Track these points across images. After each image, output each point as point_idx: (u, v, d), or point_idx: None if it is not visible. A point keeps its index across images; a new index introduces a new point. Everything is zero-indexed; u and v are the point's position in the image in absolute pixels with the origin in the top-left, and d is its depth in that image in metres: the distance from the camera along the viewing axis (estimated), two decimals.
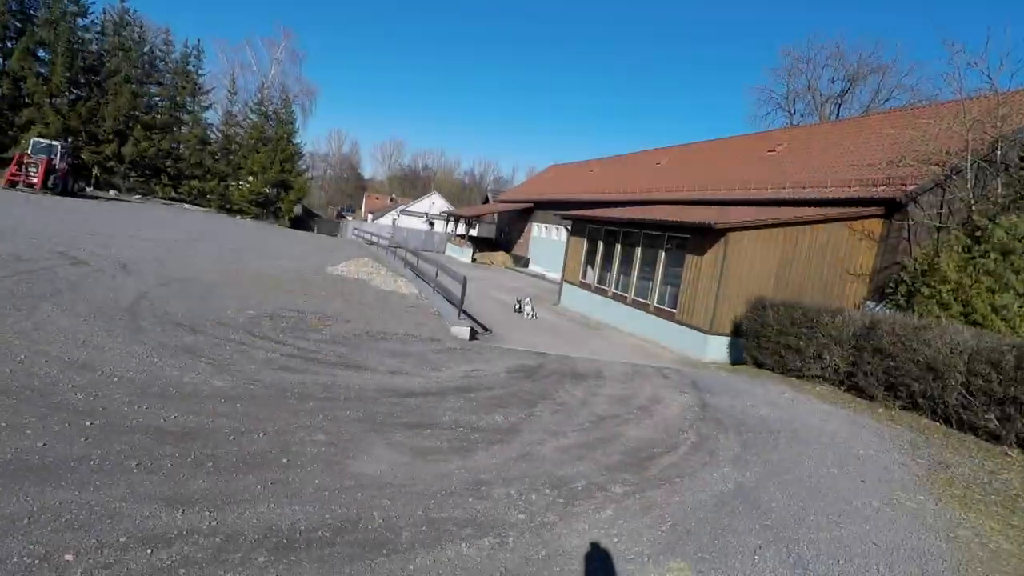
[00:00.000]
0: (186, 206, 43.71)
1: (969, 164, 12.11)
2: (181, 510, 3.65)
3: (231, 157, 48.27)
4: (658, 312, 14.42)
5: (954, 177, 12.43)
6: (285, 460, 4.61)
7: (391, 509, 4.08)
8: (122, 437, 4.52)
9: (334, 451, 4.93)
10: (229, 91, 51.08)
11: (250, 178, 47.24)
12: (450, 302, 13.68)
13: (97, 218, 21.84)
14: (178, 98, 47.31)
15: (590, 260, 18.46)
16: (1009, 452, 7.30)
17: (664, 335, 13.90)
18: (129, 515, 3.51)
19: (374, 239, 37.59)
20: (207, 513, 3.66)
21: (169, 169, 45.75)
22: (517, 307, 15.76)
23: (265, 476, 4.28)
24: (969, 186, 12.13)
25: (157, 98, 47.24)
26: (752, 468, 5.89)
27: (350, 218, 65.44)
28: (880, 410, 8.91)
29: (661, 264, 14.62)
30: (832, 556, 4.23)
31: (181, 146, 47.26)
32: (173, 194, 45.76)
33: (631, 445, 6.20)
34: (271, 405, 5.78)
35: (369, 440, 5.29)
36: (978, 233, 11.33)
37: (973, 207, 11.97)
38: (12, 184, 27.39)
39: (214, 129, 50.57)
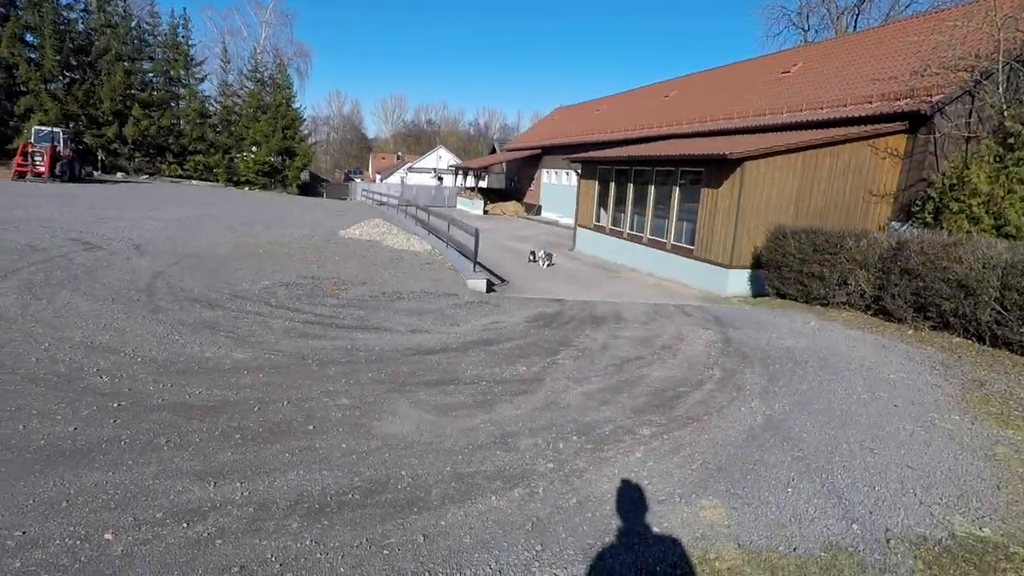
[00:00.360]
0: (193, 182, 43.66)
1: (1000, 66, 11.39)
2: (213, 483, 3.69)
3: (232, 128, 47.73)
4: (675, 250, 14.16)
5: (984, 82, 11.72)
6: (311, 427, 4.64)
7: (419, 467, 4.10)
8: (150, 416, 4.58)
9: (359, 414, 4.95)
10: (222, 60, 50.02)
11: (254, 148, 46.82)
12: (464, 256, 13.57)
13: (106, 202, 21.91)
14: (172, 72, 46.46)
15: (603, 202, 18.09)
16: None
17: (683, 272, 13.69)
18: (163, 491, 3.56)
19: (384, 199, 37.30)
20: (239, 484, 3.70)
21: (172, 146, 45.45)
22: (532, 257, 15.61)
23: (292, 444, 4.31)
24: (1000, 90, 11.44)
25: (151, 74, 46.45)
26: (781, 400, 5.82)
27: (358, 180, 64.91)
28: (909, 332, 8.72)
29: (676, 200, 14.25)
30: (867, 483, 4.17)
31: (181, 121, 46.75)
32: (179, 171, 45.62)
33: (656, 386, 6.15)
34: (293, 373, 5.81)
35: (393, 400, 5.30)
36: (1010, 140, 10.76)
37: (1005, 113, 11.33)
38: (20, 175, 27.49)
39: (212, 101, 49.84)
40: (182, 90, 47.62)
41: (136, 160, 44.02)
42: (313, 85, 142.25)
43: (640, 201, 15.88)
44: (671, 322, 9.24)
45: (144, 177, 41.98)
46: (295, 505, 3.52)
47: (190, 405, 4.85)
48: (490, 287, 11.36)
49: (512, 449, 4.47)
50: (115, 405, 4.72)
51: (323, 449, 4.27)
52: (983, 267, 7.78)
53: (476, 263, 12.25)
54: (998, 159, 10.72)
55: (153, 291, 8.66)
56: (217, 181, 45.21)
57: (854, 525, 3.63)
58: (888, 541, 3.47)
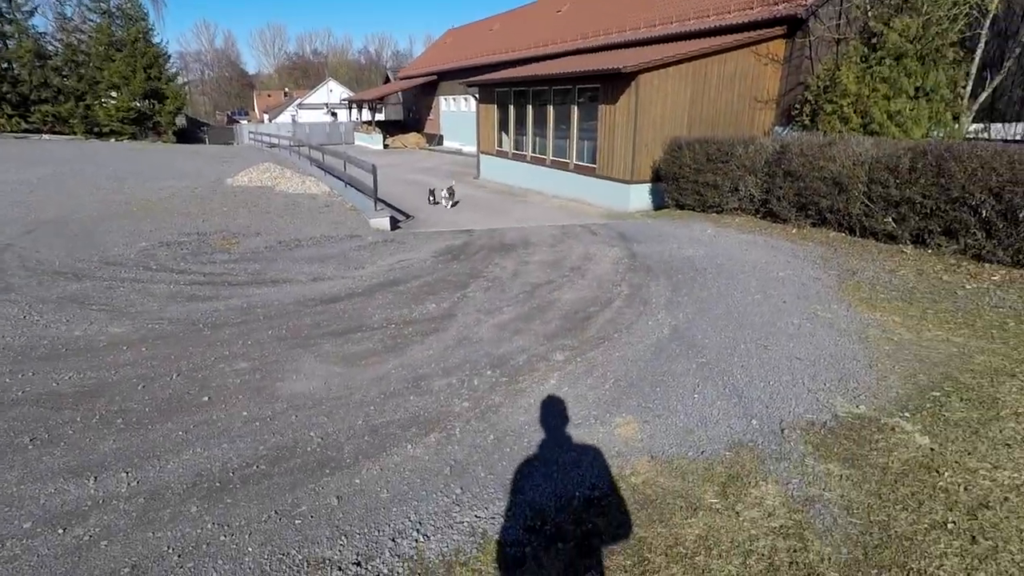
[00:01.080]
0: (45, 136, 38.16)
1: None
2: (93, 478, 3.33)
3: (82, 71, 41.34)
4: (578, 169, 14.17)
5: None
6: (206, 398, 4.29)
7: (329, 425, 3.91)
8: (8, 413, 4.02)
9: (260, 376, 4.64)
10: None
11: (113, 93, 41.11)
12: (365, 194, 12.89)
13: None
14: None
15: (503, 126, 17.64)
16: (904, 249, 7.87)
17: (587, 192, 13.79)
18: (31, 497, 3.16)
19: (274, 141, 34.46)
20: (124, 475, 3.36)
21: (9, 96, 38.95)
22: (432, 198, 13.96)
23: (186, 420, 3.97)
24: None
25: None
26: (684, 309, 6.06)
27: (244, 122, 59.37)
28: (793, 231, 9.33)
29: (575, 119, 14.10)
30: (763, 379, 4.47)
31: (14, 66, 39.92)
32: (24, 125, 39.48)
33: (567, 309, 6.21)
34: (182, 341, 5.32)
35: (296, 357, 5.01)
36: (874, 40, 11.33)
37: (869, 13, 11.86)
38: None
39: (49, 39, 42.74)
40: (7, 27, 40.35)
41: None
42: (174, 15, 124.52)
43: (540, 122, 15.60)
44: (579, 242, 9.33)
45: None
46: (192, 488, 3.26)
47: (59, 393, 4.32)
48: (395, 224, 10.92)
49: (426, 392, 4.37)
50: None
51: (221, 421, 3.97)
52: (853, 164, 8.34)
53: (377, 200, 11.67)
54: (864, 60, 11.31)
55: (2, 267, 7.56)
56: (75, 133, 39.71)
57: (753, 421, 3.88)
58: (782, 431, 3.75)
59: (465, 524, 3.01)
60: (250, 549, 2.81)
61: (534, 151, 16.07)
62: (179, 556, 2.76)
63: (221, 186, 15.76)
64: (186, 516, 3.03)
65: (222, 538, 2.88)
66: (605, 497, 3.22)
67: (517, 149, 16.96)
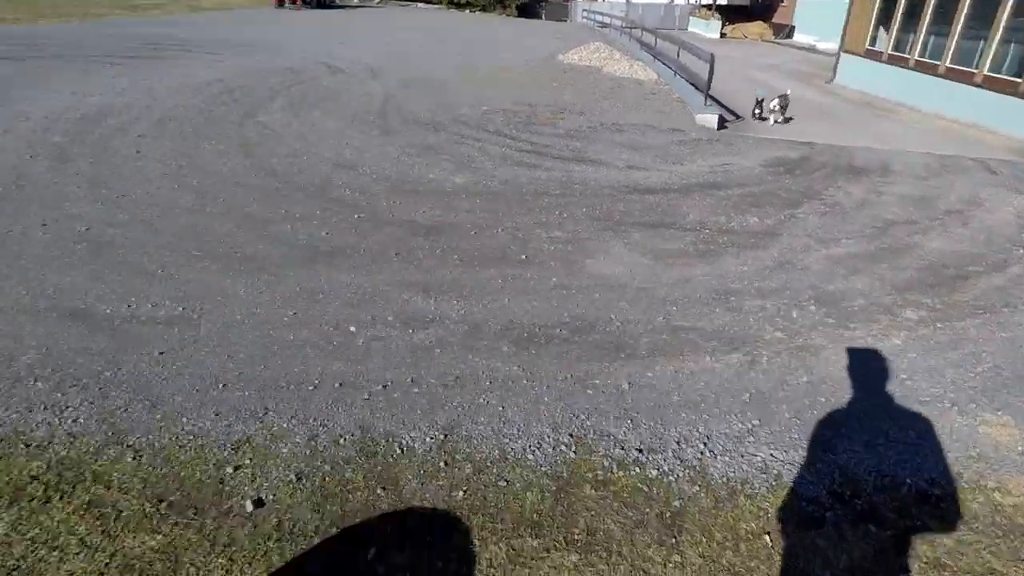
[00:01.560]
0: (419, 5, 44.62)
1: None
2: (433, 297, 3.93)
3: None
4: (989, 82, 10.64)
5: None
6: (523, 256, 4.63)
7: (629, 313, 3.87)
8: (383, 229, 4.98)
9: (571, 249, 4.81)
10: None
11: None
12: (694, 87, 11.97)
13: (347, 28, 23.57)
14: None
15: (884, 18, 14.07)
16: None
17: (994, 114, 10.36)
18: (393, 298, 3.90)
19: (606, 20, 34.17)
20: (455, 302, 3.89)
21: None
22: (757, 111, 10.60)
23: (505, 271, 4.37)
24: None
25: None
26: None
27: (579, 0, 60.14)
28: None
29: (1006, 10, 10.35)
30: None
31: None
32: None
33: (932, 260, 4.91)
34: (508, 201, 5.82)
35: (606, 239, 5.03)
36: None
37: None
38: (280, 3, 30.75)
39: None
40: None
41: None
42: None
43: (943, 13, 11.92)
44: (965, 179, 7.19)
45: (377, 2, 44.01)
46: (505, 331, 3.60)
47: (416, 223, 5.16)
48: (722, 123, 9.93)
49: (734, 309, 3.98)
50: (356, 216, 5.22)
51: (534, 280, 4.26)
52: None
53: (708, 95, 10.70)
54: None
55: (385, 113, 9.22)
56: (441, 3, 45.56)
57: None
58: None
59: (758, 459, 2.71)
60: (546, 399, 3.01)
61: (922, 54, 12.56)
62: (490, 383, 3.11)
63: (552, 62, 16.35)
64: (498, 352, 3.38)
65: (524, 382, 3.14)
66: (947, 498, 2.54)
67: (897, 50, 13.50)
